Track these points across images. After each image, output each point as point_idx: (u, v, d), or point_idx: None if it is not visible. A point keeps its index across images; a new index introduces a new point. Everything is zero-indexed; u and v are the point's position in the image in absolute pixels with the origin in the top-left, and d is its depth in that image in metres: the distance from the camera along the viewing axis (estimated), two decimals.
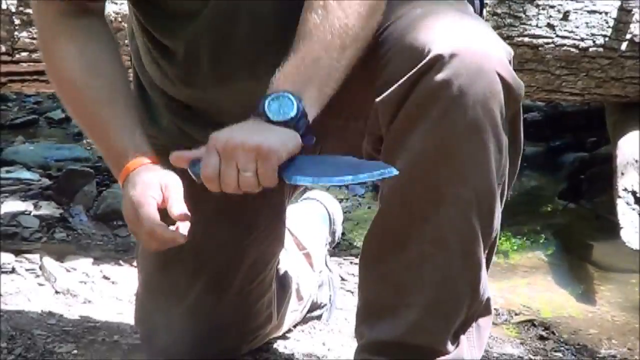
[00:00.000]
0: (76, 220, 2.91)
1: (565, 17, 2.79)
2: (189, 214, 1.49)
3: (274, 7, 1.58)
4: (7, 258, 2.48)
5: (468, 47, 1.43)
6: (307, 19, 1.45)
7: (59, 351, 1.97)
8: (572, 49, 2.81)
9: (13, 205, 2.93)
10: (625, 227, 2.73)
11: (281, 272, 2.03)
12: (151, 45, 1.70)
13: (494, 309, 1.67)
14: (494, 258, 1.62)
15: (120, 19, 2.47)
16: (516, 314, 2.48)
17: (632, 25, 2.82)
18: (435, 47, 1.43)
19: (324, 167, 1.42)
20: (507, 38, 2.73)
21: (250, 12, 1.58)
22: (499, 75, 1.44)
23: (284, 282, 2.04)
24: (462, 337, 1.57)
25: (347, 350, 2.07)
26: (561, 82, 2.90)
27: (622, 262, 2.84)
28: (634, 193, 2.77)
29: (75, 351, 1.97)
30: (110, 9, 2.47)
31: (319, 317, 2.27)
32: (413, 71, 1.44)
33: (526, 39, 2.77)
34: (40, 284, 2.37)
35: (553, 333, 2.37)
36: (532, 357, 2.21)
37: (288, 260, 2.08)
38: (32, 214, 2.89)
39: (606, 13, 2.82)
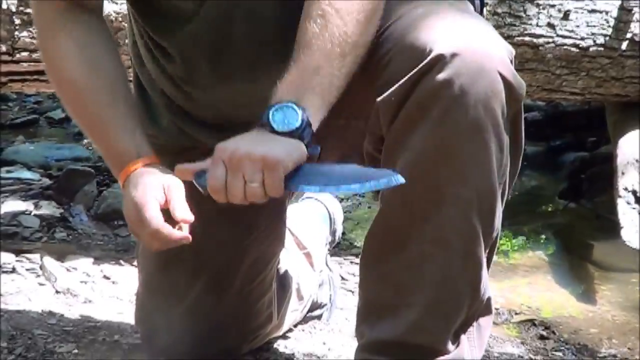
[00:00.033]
0: (76, 220, 2.91)
1: (566, 16, 2.79)
2: (192, 216, 1.49)
3: (271, 7, 1.58)
4: (8, 258, 2.48)
5: (469, 46, 1.43)
6: (307, 28, 1.45)
7: (60, 351, 1.97)
8: (573, 49, 2.81)
9: (13, 205, 2.93)
10: (626, 226, 2.73)
11: (281, 271, 2.03)
12: (151, 45, 1.70)
13: (495, 308, 1.67)
14: (495, 258, 1.62)
15: (120, 19, 2.48)
16: (517, 314, 2.48)
17: (632, 25, 2.82)
18: (436, 47, 1.43)
19: (330, 176, 1.42)
20: (507, 37, 2.73)
21: (247, 12, 1.59)
22: (500, 74, 1.44)
23: (284, 281, 2.04)
24: (463, 337, 1.57)
25: (347, 350, 2.07)
26: (561, 81, 2.90)
27: (622, 261, 2.84)
28: (634, 192, 2.77)
29: (75, 351, 1.97)
30: (110, 8, 2.47)
31: (319, 317, 2.27)
32: (414, 71, 1.44)
33: (526, 39, 2.77)
34: (40, 284, 2.37)
35: (553, 333, 2.37)
36: (533, 357, 2.21)
37: (288, 259, 2.08)
38: (32, 213, 2.89)
39: (607, 12, 2.82)
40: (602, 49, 2.82)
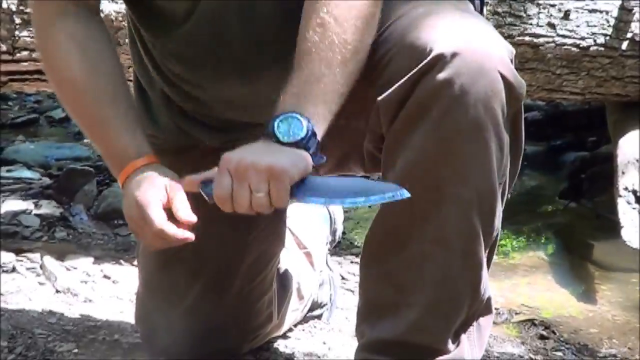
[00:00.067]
0: (77, 219, 2.91)
1: (566, 16, 2.79)
2: (195, 217, 1.50)
3: (266, 7, 1.58)
4: (8, 257, 2.48)
5: (469, 46, 1.43)
6: (306, 38, 1.46)
7: (60, 350, 1.97)
8: (573, 48, 2.81)
9: (14, 204, 2.93)
10: (626, 226, 2.73)
11: (282, 271, 2.03)
12: (149, 45, 1.70)
13: (495, 308, 1.67)
14: (495, 257, 1.62)
15: (120, 18, 2.47)
16: (517, 313, 2.48)
17: (632, 25, 2.82)
18: (436, 47, 1.43)
19: (335, 188, 1.43)
20: (507, 37, 2.73)
21: (241, 13, 1.59)
22: (500, 74, 1.44)
23: (284, 281, 2.04)
24: (463, 337, 1.57)
25: (347, 350, 2.07)
26: (562, 81, 2.90)
27: (622, 261, 2.84)
28: (634, 192, 2.77)
29: (75, 350, 1.97)
30: (110, 8, 2.47)
31: (319, 317, 2.27)
32: (414, 70, 1.44)
33: (527, 38, 2.77)
34: (40, 283, 2.37)
35: (554, 332, 2.37)
36: (533, 357, 2.21)
37: (289, 259, 2.08)
38: (32, 213, 2.89)
39: (607, 12, 2.81)
40: (602, 48, 2.82)
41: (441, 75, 1.42)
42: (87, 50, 1.60)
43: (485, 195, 1.48)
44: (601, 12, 2.81)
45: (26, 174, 3.37)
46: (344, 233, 2.81)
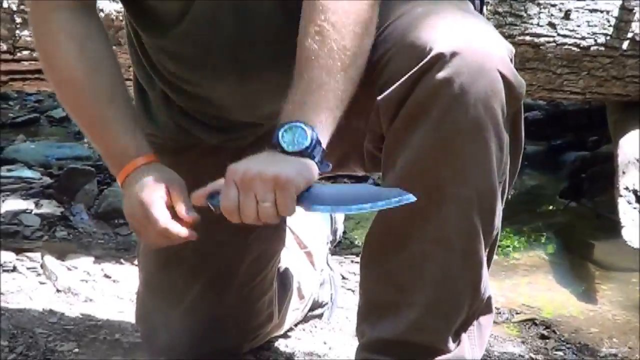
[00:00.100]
0: (77, 218, 2.91)
1: (567, 16, 2.79)
2: (198, 216, 1.51)
3: (260, 8, 1.58)
4: (8, 257, 2.48)
5: (469, 45, 1.43)
6: (305, 47, 1.46)
7: (61, 349, 1.97)
8: (574, 48, 2.81)
9: (14, 204, 2.93)
10: (627, 225, 2.73)
11: (282, 270, 2.03)
12: (146, 44, 1.70)
13: (495, 307, 1.67)
14: (495, 257, 1.62)
15: (121, 18, 2.47)
16: (517, 313, 2.48)
17: (633, 24, 2.82)
18: (436, 46, 1.43)
19: (341, 196, 1.43)
20: (508, 37, 2.73)
21: (236, 13, 1.59)
22: (500, 73, 1.44)
23: (285, 280, 2.04)
24: (464, 336, 1.57)
25: (348, 349, 2.07)
26: (562, 81, 2.90)
27: (623, 261, 2.84)
28: (635, 192, 2.77)
29: (76, 350, 1.97)
30: (111, 7, 2.47)
31: (320, 316, 2.27)
32: (414, 70, 1.44)
33: (527, 38, 2.77)
34: (41, 283, 2.37)
35: (554, 332, 2.37)
36: (533, 356, 2.21)
37: (289, 258, 2.08)
38: (33, 212, 2.89)
39: (607, 12, 2.82)
40: (603, 48, 2.82)
41: (441, 75, 1.42)
42: (86, 49, 1.60)
43: (485, 195, 1.48)
44: (602, 11, 2.81)
45: (27, 173, 3.37)
46: (344, 232, 2.82)
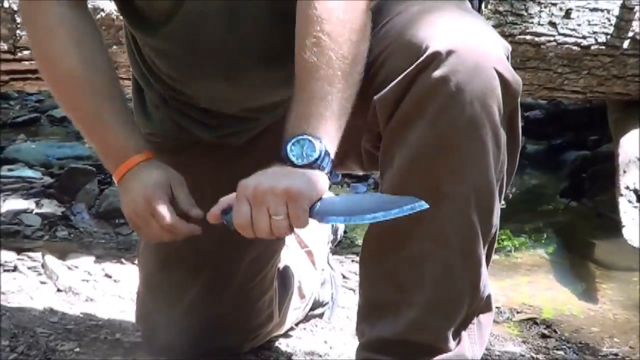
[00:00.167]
0: (78, 218, 2.91)
1: (567, 15, 2.79)
2: (202, 212, 1.53)
3: (247, 8, 1.59)
4: (9, 256, 2.48)
5: (466, 44, 1.44)
6: (304, 59, 1.46)
7: (61, 349, 1.97)
8: (574, 47, 2.81)
9: (15, 204, 2.93)
10: (627, 225, 2.73)
11: (283, 270, 2.03)
12: (140, 43, 1.71)
13: (496, 307, 1.67)
14: (496, 256, 1.62)
15: (121, 18, 2.48)
16: (518, 312, 2.48)
17: (634, 23, 2.83)
18: (432, 44, 1.44)
19: (353, 206, 1.44)
20: (509, 36, 2.73)
21: (225, 13, 1.59)
22: (496, 71, 1.44)
23: (285, 280, 2.04)
24: (464, 334, 1.57)
25: (349, 349, 2.07)
26: (563, 80, 2.90)
27: (623, 260, 2.84)
28: (635, 191, 2.77)
29: (77, 349, 1.97)
30: (111, 7, 2.47)
31: (321, 315, 2.27)
32: (410, 68, 1.44)
33: (528, 37, 2.77)
34: (42, 282, 2.37)
35: (555, 331, 2.37)
36: (534, 356, 2.21)
37: (290, 258, 2.08)
38: (34, 212, 2.89)
39: (608, 11, 2.82)
40: (603, 47, 2.82)
41: (437, 73, 1.43)
42: (83, 44, 1.60)
43: (483, 193, 1.48)
44: (602, 10, 2.81)
45: (27, 173, 3.37)
46: (345, 232, 2.82)
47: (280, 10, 1.56)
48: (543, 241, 3.15)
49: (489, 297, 1.60)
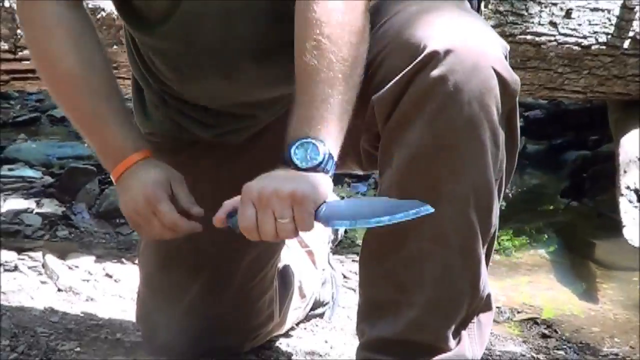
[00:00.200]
0: (78, 218, 2.91)
1: (568, 14, 2.79)
2: (202, 210, 1.55)
3: (245, 8, 1.59)
4: (10, 256, 2.48)
5: (463, 43, 1.44)
6: (304, 62, 1.46)
7: (62, 349, 1.96)
8: (575, 47, 2.81)
9: (15, 203, 2.93)
10: (628, 225, 2.73)
11: (283, 269, 2.03)
12: (138, 42, 1.71)
13: (497, 307, 1.67)
14: (496, 256, 1.62)
15: (120, 17, 2.48)
16: (518, 312, 2.48)
17: (634, 23, 2.83)
18: (430, 44, 1.44)
19: (358, 209, 1.44)
20: (509, 36, 2.73)
21: (220, 13, 1.59)
22: (494, 71, 1.44)
23: (286, 279, 2.04)
24: (464, 334, 1.57)
25: (349, 348, 2.07)
26: (563, 80, 2.90)
27: (624, 260, 2.84)
28: (636, 191, 2.77)
29: (78, 349, 1.97)
30: (112, 7, 2.47)
31: (321, 315, 2.27)
32: (408, 68, 1.45)
33: (528, 37, 2.77)
34: (42, 282, 2.37)
35: (555, 331, 2.37)
36: (535, 355, 2.21)
37: (290, 257, 2.08)
38: (34, 211, 2.89)
39: (609, 11, 2.82)
40: (604, 47, 2.82)
41: (435, 73, 1.43)
42: (81, 44, 1.61)
43: (482, 192, 1.48)
44: (603, 10, 2.81)
45: (28, 172, 3.37)
46: (345, 232, 2.82)
47: (277, 9, 1.56)
48: (544, 241, 3.15)
49: (488, 296, 1.60)
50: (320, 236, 2.33)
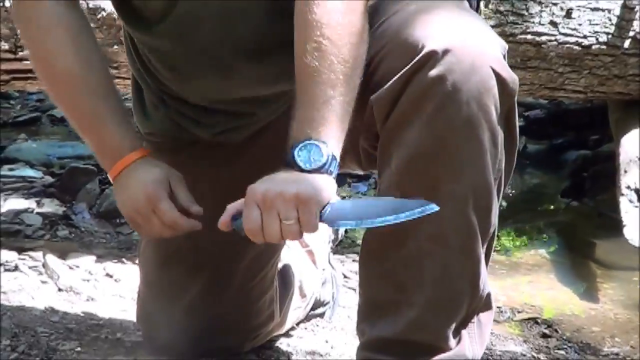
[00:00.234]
0: (79, 217, 2.91)
1: (568, 14, 2.79)
2: (201, 208, 1.56)
3: (243, 7, 1.59)
4: (10, 256, 2.48)
5: (462, 43, 1.44)
6: (305, 63, 1.46)
7: (62, 349, 1.97)
8: (575, 47, 2.81)
9: (16, 203, 2.93)
10: (628, 224, 2.73)
11: (284, 269, 2.03)
12: (136, 41, 1.71)
13: (497, 307, 1.67)
14: (496, 256, 1.62)
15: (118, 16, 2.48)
16: (519, 312, 2.48)
17: (635, 23, 2.82)
18: (429, 43, 1.44)
19: (363, 209, 1.44)
20: (509, 35, 2.73)
21: (218, 12, 1.60)
22: (493, 70, 1.44)
23: (286, 279, 2.04)
24: (464, 333, 1.57)
25: (349, 348, 2.07)
26: (564, 79, 2.90)
27: (624, 259, 2.84)
28: (636, 191, 2.77)
29: (78, 349, 1.97)
30: (112, 6, 2.47)
31: (321, 315, 2.27)
32: (407, 68, 1.45)
33: (529, 37, 2.77)
34: (43, 282, 2.37)
35: (556, 331, 2.37)
36: (535, 355, 2.21)
37: (291, 257, 2.08)
38: (35, 211, 2.89)
39: (609, 10, 2.82)
40: (604, 47, 2.82)
41: (433, 73, 1.43)
42: (79, 43, 1.61)
43: (481, 192, 1.49)
44: (603, 10, 2.81)
45: (28, 172, 3.37)
46: (346, 231, 2.82)
47: (275, 9, 1.56)
48: (544, 241, 3.14)
49: (488, 295, 1.60)
50: (320, 236, 2.33)
